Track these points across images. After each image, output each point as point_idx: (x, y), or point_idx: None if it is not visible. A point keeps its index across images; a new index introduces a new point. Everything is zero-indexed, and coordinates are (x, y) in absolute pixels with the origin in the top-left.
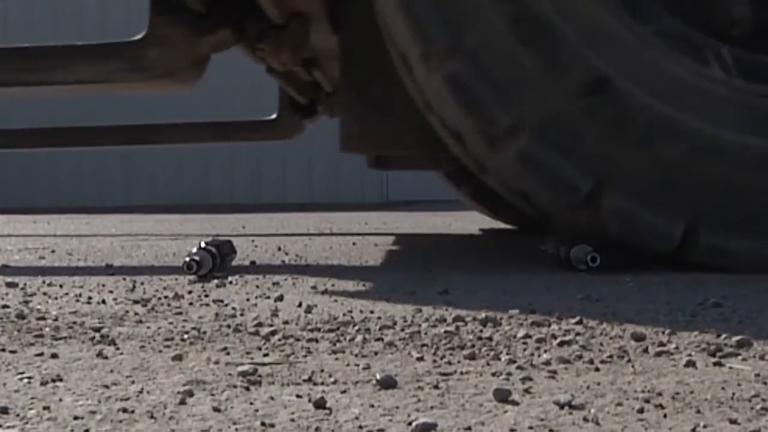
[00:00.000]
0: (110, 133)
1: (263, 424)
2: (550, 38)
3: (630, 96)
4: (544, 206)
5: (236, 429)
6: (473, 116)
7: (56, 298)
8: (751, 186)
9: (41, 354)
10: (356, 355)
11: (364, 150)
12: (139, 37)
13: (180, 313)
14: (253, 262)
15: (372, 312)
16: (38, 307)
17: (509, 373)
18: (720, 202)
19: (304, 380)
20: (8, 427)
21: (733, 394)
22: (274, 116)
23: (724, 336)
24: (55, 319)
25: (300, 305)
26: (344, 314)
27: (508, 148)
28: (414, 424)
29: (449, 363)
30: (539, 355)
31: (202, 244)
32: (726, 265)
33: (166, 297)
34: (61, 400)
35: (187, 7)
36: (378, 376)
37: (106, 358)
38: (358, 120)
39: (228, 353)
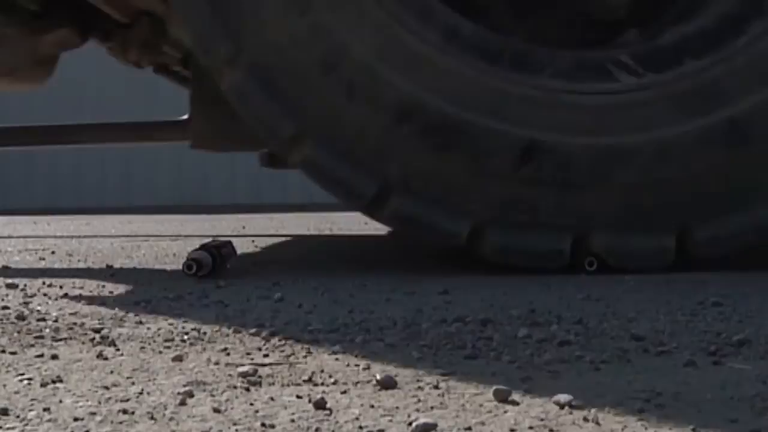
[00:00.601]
0: (32, 133)
1: (263, 425)
2: (465, 134)
3: (563, 146)
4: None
5: (236, 430)
6: (436, 237)
7: (56, 299)
8: (707, 169)
9: (41, 355)
10: (356, 356)
11: (214, 147)
12: None
13: (180, 314)
14: (253, 263)
15: (372, 312)
16: (38, 308)
17: (509, 373)
18: (708, 199)
19: (305, 381)
20: (8, 429)
21: (734, 393)
22: (186, 116)
23: (724, 335)
24: (56, 320)
25: (300, 306)
26: (345, 315)
27: (480, 248)
28: (414, 424)
29: (450, 363)
30: (540, 355)
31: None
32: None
33: (166, 298)
34: (61, 401)
35: (22, 7)
36: (378, 377)
37: (107, 359)
38: (208, 117)
39: (228, 354)
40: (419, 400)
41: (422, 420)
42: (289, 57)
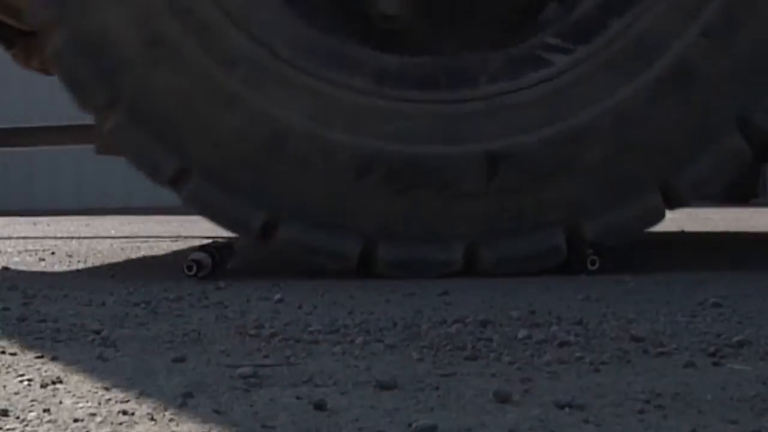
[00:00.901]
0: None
1: (263, 426)
2: (427, 167)
3: (522, 147)
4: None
5: (236, 431)
6: (434, 271)
7: (56, 301)
8: None
9: (41, 356)
10: (356, 357)
11: (118, 152)
12: None
13: (180, 315)
14: (253, 264)
15: (372, 313)
16: (38, 309)
17: (509, 374)
18: (677, 148)
19: (305, 382)
20: (8, 430)
21: (734, 394)
22: None
23: (724, 336)
24: (56, 322)
25: (300, 307)
26: (345, 316)
27: (479, 267)
28: (414, 425)
29: (449, 364)
30: (539, 356)
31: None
32: None
33: (166, 299)
34: (61, 402)
35: None
36: (378, 378)
37: (107, 360)
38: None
39: (228, 355)
40: (419, 401)
41: (422, 421)
42: (237, 151)
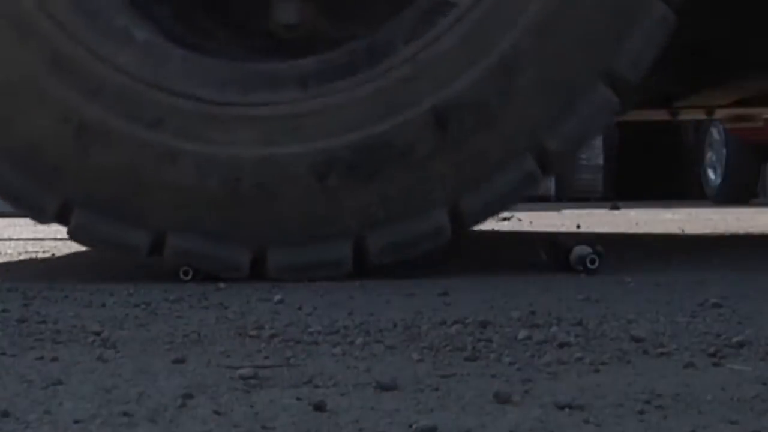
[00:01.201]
0: None
1: (263, 427)
2: (381, 146)
3: (462, 94)
4: None
5: None
6: (433, 240)
7: (56, 302)
8: None
9: (41, 357)
10: (356, 358)
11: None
12: None
13: (180, 317)
14: None
15: (372, 314)
16: (38, 310)
17: (510, 375)
18: (604, 47)
19: (304, 383)
20: (9, 431)
21: (734, 394)
22: None
23: (724, 337)
24: (56, 323)
25: (300, 308)
26: (344, 317)
27: (464, 223)
28: (414, 426)
29: (449, 365)
30: (539, 357)
31: None
32: None
33: (166, 300)
34: (61, 403)
35: None
36: (378, 379)
37: (107, 361)
38: None
39: (228, 356)
40: (419, 402)
41: (422, 422)
42: (199, 203)
